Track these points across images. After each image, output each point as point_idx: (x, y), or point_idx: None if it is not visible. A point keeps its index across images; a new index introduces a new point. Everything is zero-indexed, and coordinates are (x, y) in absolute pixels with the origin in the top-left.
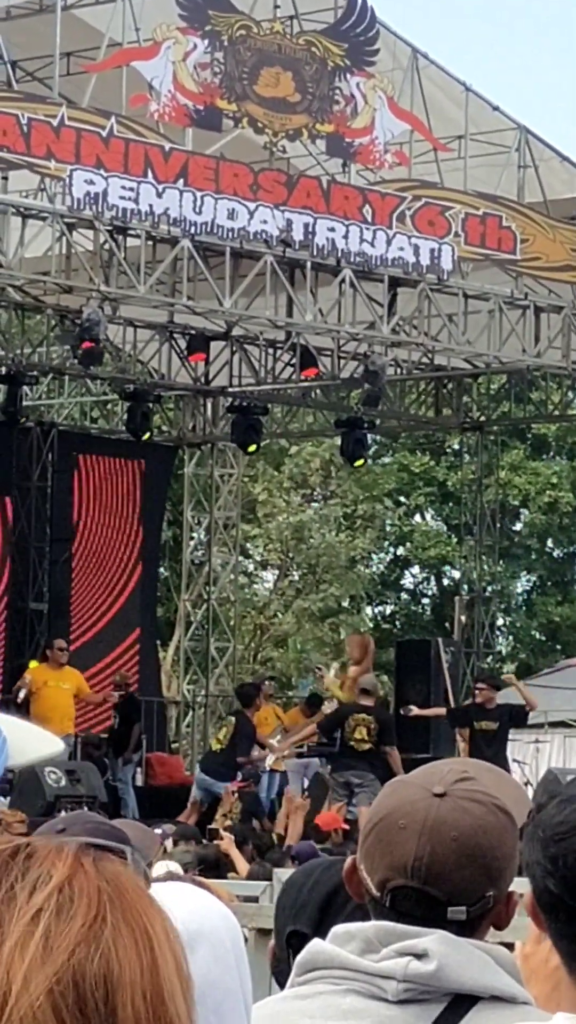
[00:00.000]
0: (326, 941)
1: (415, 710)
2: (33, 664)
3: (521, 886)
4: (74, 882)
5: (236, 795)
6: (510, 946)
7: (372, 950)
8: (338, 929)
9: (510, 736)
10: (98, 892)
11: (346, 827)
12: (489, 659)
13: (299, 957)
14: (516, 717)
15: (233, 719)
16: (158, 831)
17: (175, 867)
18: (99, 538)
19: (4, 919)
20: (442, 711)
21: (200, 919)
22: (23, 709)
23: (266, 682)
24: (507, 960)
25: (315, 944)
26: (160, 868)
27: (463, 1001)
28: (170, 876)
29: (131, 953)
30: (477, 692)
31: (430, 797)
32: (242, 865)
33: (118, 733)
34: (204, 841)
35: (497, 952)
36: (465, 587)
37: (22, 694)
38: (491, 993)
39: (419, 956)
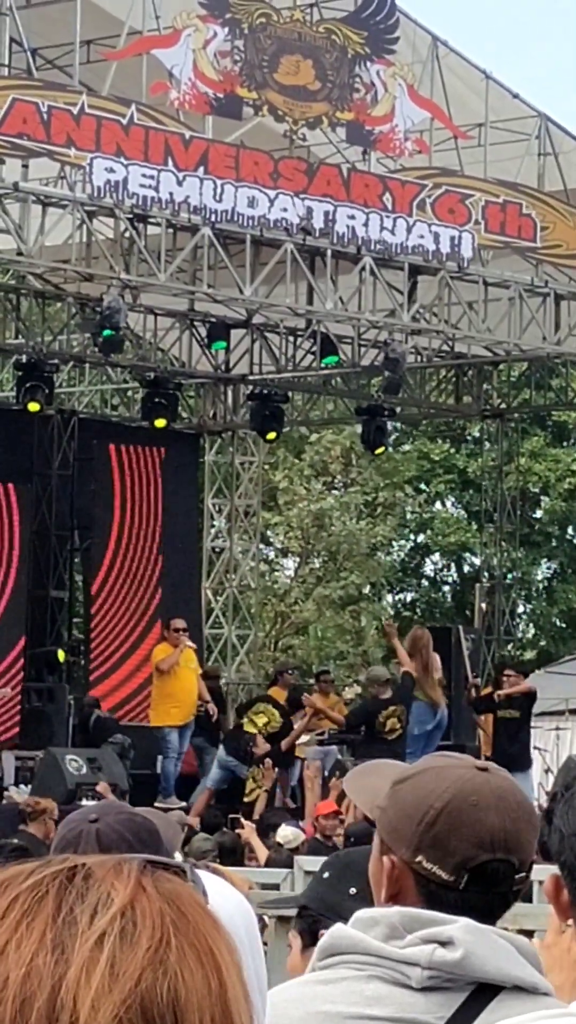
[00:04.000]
0: (347, 926)
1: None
2: (160, 647)
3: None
4: (136, 905)
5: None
6: (529, 934)
7: (396, 936)
8: (361, 914)
9: (531, 724)
10: (161, 915)
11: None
12: (510, 646)
13: (321, 942)
14: (531, 700)
15: (277, 714)
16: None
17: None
18: (121, 526)
19: (67, 943)
20: (474, 694)
21: (214, 907)
22: None
23: (291, 671)
24: (529, 950)
25: (338, 928)
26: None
27: (485, 990)
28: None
29: (198, 977)
30: (505, 680)
31: (480, 772)
32: (262, 853)
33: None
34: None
35: (520, 942)
36: (485, 574)
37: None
38: (513, 983)
39: (444, 944)
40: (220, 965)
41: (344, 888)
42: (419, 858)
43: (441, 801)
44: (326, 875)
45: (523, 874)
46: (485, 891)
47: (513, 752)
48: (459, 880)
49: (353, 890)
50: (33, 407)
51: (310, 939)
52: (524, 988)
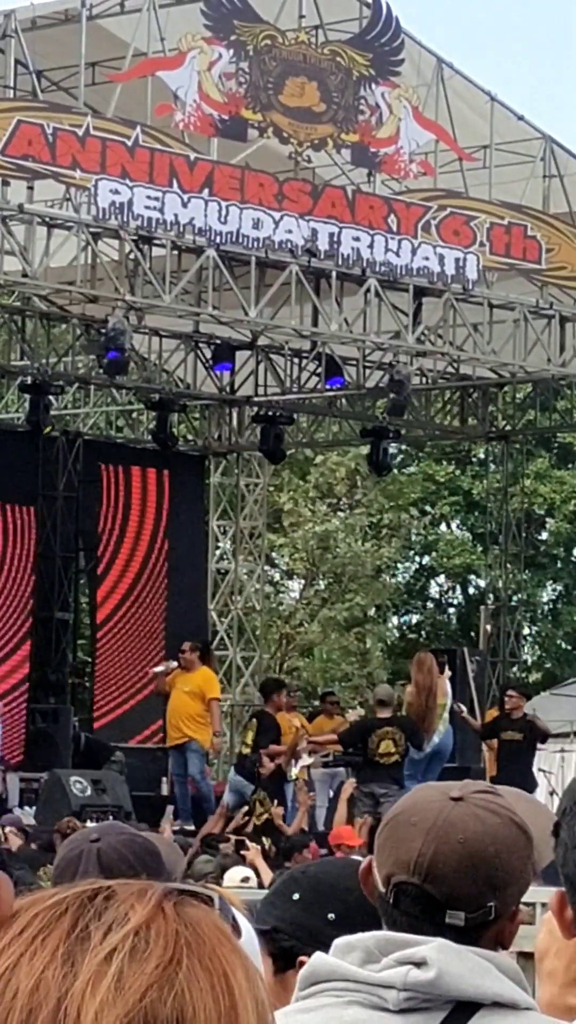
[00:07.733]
0: (328, 954)
1: (464, 711)
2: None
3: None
4: (152, 925)
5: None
6: (529, 956)
7: (373, 960)
8: (339, 941)
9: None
10: (175, 936)
11: (358, 842)
12: (515, 668)
13: (302, 972)
14: (536, 731)
15: (255, 720)
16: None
17: (249, 872)
18: (125, 548)
19: (77, 958)
20: (478, 724)
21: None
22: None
23: (293, 693)
24: (509, 967)
25: (317, 957)
26: (238, 873)
27: (465, 1008)
28: (246, 881)
29: (207, 996)
30: (507, 700)
31: (446, 800)
32: (267, 875)
33: None
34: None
35: (499, 959)
36: (491, 596)
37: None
38: (492, 1000)
39: (418, 964)
40: (233, 987)
41: (321, 913)
42: (374, 862)
43: (393, 814)
44: (296, 896)
45: (457, 911)
46: (411, 915)
47: (515, 774)
48: (388, 894)
49: (332, 916)
50: (46, 430)
51: (283, 963)
52: (504, 1004)
